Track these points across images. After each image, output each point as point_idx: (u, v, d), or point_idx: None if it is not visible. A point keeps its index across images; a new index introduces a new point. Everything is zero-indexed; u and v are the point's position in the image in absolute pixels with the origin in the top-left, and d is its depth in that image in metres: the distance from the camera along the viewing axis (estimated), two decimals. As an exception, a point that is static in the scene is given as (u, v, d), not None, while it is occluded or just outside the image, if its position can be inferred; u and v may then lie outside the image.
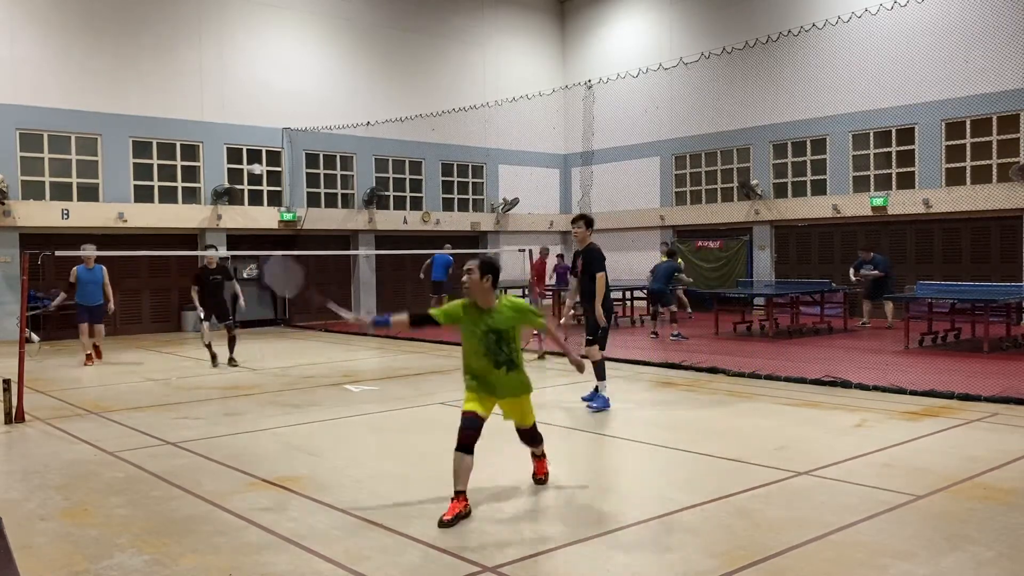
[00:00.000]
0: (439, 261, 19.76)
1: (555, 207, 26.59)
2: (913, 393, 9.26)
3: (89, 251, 12.83)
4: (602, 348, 8.98)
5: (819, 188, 20.61)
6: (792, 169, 21.23)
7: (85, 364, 13.27)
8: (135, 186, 19.03)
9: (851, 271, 17.30)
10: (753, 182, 21.43)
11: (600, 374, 8.93)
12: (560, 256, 23.29)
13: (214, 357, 12.98)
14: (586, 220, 9.08)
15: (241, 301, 13.18)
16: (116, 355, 14.69)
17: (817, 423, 8.02)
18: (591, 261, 8.91)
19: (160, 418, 8.79)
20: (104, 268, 13.48)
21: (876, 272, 16.69)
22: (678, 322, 15.98)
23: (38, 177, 17.91)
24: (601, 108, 17.14)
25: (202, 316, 13.04)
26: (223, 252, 19.50)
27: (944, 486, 5.74)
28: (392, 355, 14.40)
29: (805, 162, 20.95)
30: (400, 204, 23.36)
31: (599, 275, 8.86)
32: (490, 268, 5.52)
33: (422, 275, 20.25)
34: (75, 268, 13.15)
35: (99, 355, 13.63)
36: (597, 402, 8.90)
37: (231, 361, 13.03)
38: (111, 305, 13.63)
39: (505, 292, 5.69)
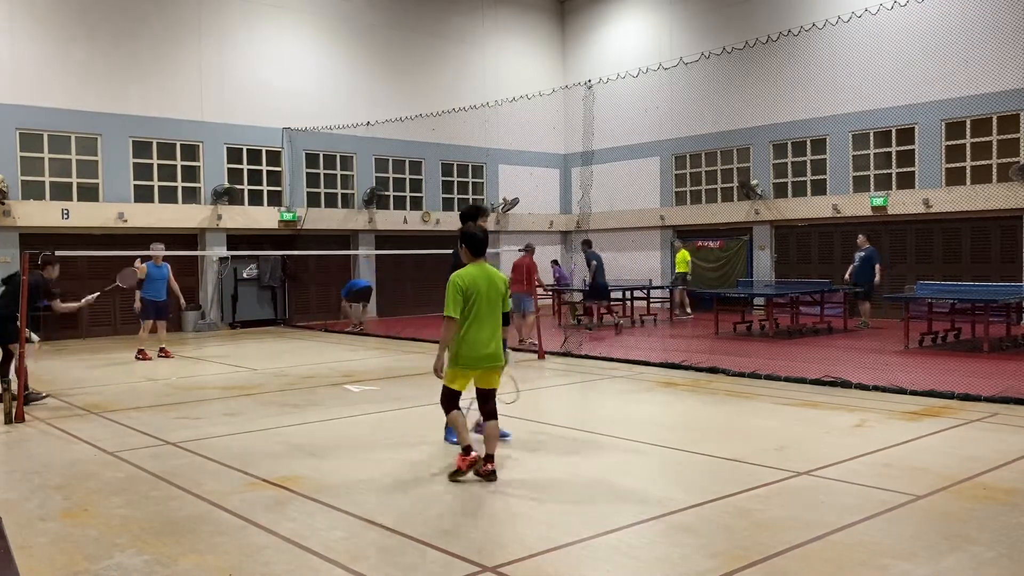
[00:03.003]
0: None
1: (555, 207, 26.59)
2: (913, 393, 9.26)
3: (158, 250, 13.78)
4: None
5: (819, 188, 20.60)
6: (792, 169, 21.23)
7: (138, 358, 13.74)
8: (135, 186, 19.01)
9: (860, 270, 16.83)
10: (753, 182, 21.42)
11: None
12: (554, 262, 22.96)
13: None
14: None
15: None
16: (117, 355, 14.70)
17: (817, 423, 8.02)
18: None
19: (160, 418, 8.79)
20: (169, 266, 14.22)
21: (876, 279, 16.42)
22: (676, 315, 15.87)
23: (38, 177, 17.89)
24: (601, 108, 17.07)
25: None
26: (223, 252, 19.60)
27: (944, 486, 5.73)
28: (392, 355, 14.39)
29: (805, 162, 20.94)
30: (400, 204, 23.35)
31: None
32: (462, 236, 6.49)
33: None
34: (145, 264, 13.79)
35: (168, 353, 14.09)
36: None
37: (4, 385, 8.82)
38: (182, 300, 14.83)
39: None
